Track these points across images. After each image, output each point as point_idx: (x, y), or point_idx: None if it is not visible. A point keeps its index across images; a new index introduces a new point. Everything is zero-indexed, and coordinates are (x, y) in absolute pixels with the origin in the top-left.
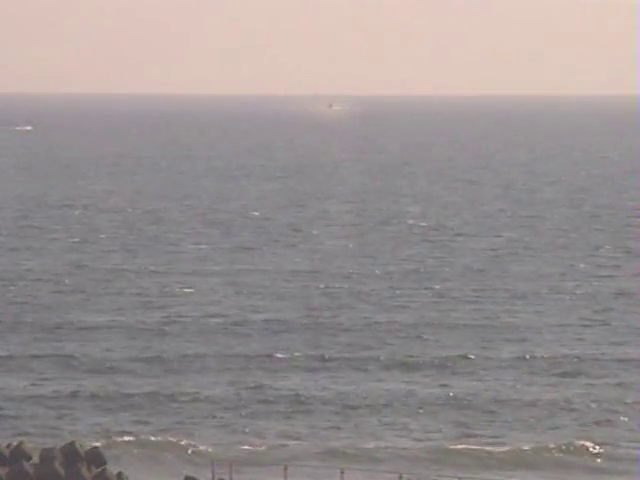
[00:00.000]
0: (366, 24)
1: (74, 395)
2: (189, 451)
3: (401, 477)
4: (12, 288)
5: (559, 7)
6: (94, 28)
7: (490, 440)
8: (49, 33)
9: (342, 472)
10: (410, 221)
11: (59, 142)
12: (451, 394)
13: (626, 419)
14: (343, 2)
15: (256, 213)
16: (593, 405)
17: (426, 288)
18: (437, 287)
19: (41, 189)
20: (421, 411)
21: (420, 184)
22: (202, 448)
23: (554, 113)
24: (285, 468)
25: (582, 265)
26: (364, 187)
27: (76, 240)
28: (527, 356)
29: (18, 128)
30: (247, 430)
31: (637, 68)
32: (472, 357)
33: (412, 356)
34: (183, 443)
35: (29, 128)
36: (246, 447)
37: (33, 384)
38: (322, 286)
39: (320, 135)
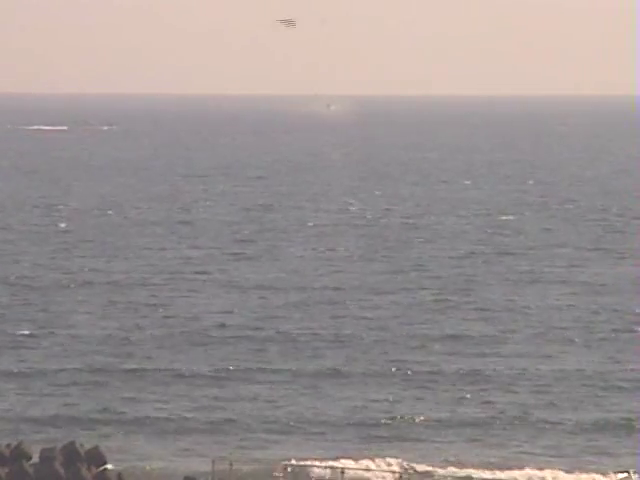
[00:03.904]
0: (366, 24)
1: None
2: (189, 451)
3: (401, 477)
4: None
5: (559, 7)
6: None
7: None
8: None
9: (342, 472)
10: (398, 220)
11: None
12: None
13: None
14: (342, 2)
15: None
16: None
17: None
18: (430, 291)
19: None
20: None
21: (414, 185)
22: (202, 448)
23: (554, 113)
24: (285, 468)
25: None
26: (358, 188)
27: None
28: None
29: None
30: (247, 431)
31: (637, 68)
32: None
33: (399, 368)
34: (183, 444)
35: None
36: (246, 447)
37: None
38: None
39: (317, 136)
